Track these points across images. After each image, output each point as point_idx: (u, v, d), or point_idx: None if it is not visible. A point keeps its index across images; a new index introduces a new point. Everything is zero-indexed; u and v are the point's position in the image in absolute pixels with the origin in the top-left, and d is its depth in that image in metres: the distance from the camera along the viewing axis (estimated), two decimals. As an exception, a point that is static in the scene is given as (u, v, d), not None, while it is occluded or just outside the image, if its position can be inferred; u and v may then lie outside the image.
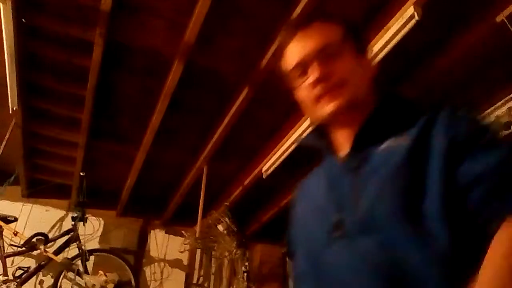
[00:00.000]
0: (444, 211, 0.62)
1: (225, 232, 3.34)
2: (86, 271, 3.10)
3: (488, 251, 0.56)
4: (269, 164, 2.79)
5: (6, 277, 2.95)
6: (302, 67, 0.80)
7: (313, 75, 0.77)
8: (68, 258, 3.10)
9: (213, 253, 3.84)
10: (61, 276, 3.17)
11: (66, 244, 3.17)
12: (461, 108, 0.73)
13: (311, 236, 0.78)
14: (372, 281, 0.63)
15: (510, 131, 1.88)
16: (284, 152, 2.61)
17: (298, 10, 1.83)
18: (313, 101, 0.79)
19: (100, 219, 3.96)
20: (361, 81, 0.81)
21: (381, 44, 1.77)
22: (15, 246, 3.07)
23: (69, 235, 3.21)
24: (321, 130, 0.88)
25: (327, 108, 0.77)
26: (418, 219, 0.63)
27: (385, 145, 0.73)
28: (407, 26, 1.65)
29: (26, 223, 3.62)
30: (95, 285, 3.04)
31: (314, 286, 0.74)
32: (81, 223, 3.24)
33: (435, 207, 0.62)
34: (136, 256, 3.99)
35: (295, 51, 0.81)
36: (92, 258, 3.31)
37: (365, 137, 0.77)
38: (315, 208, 0.81)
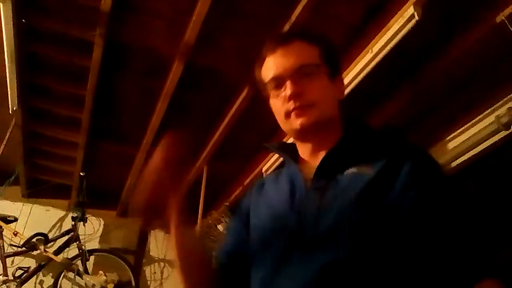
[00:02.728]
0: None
1: (225, 232, 3.34)
2: (86, 271, 3.10)
3: None
4: (269, 164, 2.79)
5: (6, 277, 2.95)
6: (278, 81, 0.86)
7: (286, 91, 0.84)
8: (68, 258, 3.10)
9: (213, 253, 3.84)
10: (61, 276, 3.18)
11: (66, 244, 3.18)
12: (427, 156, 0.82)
13: (269, 241, 0.83)
14: None
15: (510, 131, 1.87)
16: (284, 152, 2.61)
17: (298, 10, 1.83)
18: (284, 114, 0.86)
19: (100, 219, 3.95)
20: (330, 104, 0.87)
21: (381, 44, 1.77)
22: (15, 246, 3.08)
23: (69, 235, 3.21)
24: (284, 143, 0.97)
25: (295, 123, 0.84)
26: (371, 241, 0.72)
27: (350, 171, 0.80)
28: (407, 26, 1.65)
29: (26, 223, 3.61)
30: (95, 285, 3.04)
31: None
32: (81, 223, 3.25)
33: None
34: (136, 256, 3.99)
35: (273, 65, 0.87)
36: (92, 258, 3.31)
37: (331, 162, 0.83)
38: (274, 214, 0.86)
